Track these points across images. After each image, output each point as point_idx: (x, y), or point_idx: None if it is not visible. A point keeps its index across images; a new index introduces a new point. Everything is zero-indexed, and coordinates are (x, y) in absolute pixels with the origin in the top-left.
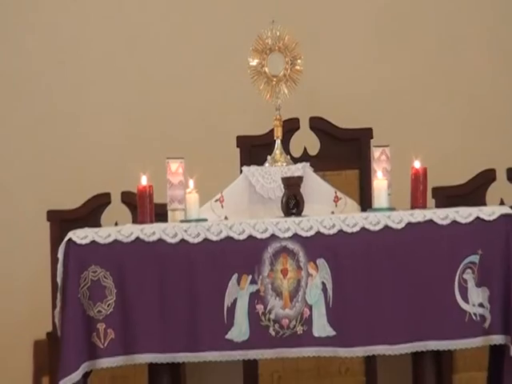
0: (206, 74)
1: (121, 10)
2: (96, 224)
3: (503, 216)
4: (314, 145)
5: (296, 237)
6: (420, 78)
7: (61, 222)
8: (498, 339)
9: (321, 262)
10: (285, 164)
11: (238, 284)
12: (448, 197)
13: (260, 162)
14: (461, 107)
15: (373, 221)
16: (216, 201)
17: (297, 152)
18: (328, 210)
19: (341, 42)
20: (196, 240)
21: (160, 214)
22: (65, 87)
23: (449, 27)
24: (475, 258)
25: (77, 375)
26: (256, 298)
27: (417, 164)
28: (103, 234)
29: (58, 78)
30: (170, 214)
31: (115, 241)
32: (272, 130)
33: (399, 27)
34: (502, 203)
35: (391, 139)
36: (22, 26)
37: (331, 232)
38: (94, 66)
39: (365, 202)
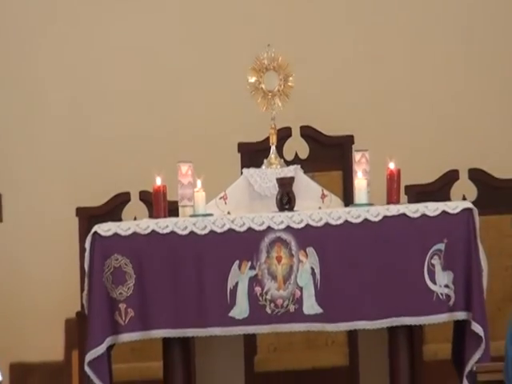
0: (213, 89)
1: (136, 27)
2: (118, 219)
3: (465, 210)
4: (303, 150)
5: (289, 229)
6: (394, 91)
7: (88, 217)
8: (460, 315)
9: (310, 250)
10: (279, 166)
11: (239, 269)
12: (418, 193)
13: (258, 164)
14: (430, 116)
15: (354, 215)
16: (220, 198)
17: (289, 156)
18: (316, 205)
19: (325, 61)
20: (203, 232)
21: (172, 209)
22: (92, 100)
23: (417, 41)
24: (441, 246)
25: (101, 348)
26: (254, 281)
27: (391, 165)
28: (124, 227)
29: (85, 92)
30: (180, 209)
31: (134, 233)
32: (268, 138)
33: (374, 48)
34: (464, 199)
35: (370, 144)
36: (39, 44)
37: (319, 224)
38: (116, 83)
39: (347, 198)
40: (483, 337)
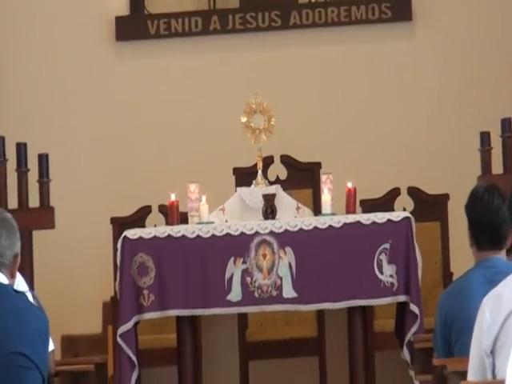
0: (214, 127)
1: (155, 79)
2: (142, 226)
3: (405, 218)
4: (283, 173)
5: (272, 233)
6: (350, 130)
7: (119, 224)
8: (401, 298)
9: (288, 249)
10: (264, 186)
11: (234, 264)
12: (370, 205)
13: (248, 184)
14: (378, 148)
15: (321, 222)
16: (219, 210)
17: (272, 177)
18: (292, 215)
19: (299, 106)
20: (207, 235)
21: (183, 219)
22: (123, 134)
23: (371, 90)
24: (387, 245)
25: (129, 324)
26: (246, 273)
27: (349, 185)
28: (147, 232)
29: (118, 128)
30: (190, 218)
31: (154, 236)
32: (256, 164)
33: (337, 95)
34: (404, 210)
35: (334, 168)
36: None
37: (295, 229)
38: (142, 121)
39: (316, 210)
40: (418, 315)
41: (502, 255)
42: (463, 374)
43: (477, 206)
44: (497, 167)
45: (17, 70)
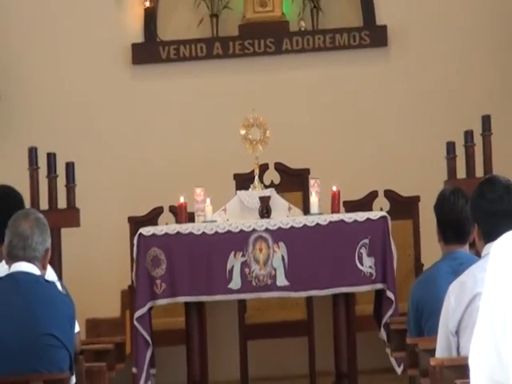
0: (218, 139)
1: (171, 98)
2: (155, 224)
3: (382, 217)
4: (277, 178)
5: (267, 230)
6: (336, 140)
7: (135, 223)
8: (379, 286)
9: (281, 244)
10: (260, 189)
11: (235, 257)
12: (352, 206)
13: (246, 188)
14: (360, 156)
15: (310, 220)
16: (222, 210)
17: (267, 182)
18: (285, 215)
19: (290, 120)
20: (211, 232)
21: (190, 218)
22: (137, 147)
23: (355, 105)
24: (367, 241)
25: (144, 309)
26: (244, 264)
27: (334, 188)
28: (159, 229)
29: (133, 145)
30: (196, 217)
31: (166, 233)
32: (253, 170)
33: (324, 111)
34: (381, 210)
35: (321, 173)
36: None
37: (287, 227)
38: (156, 135)
39: (305, 210)
40: (394, 300)
41: (465, 249)
42: (432, 352)
43: (444, 206)
44: (461, 172)
45: (47, 91)
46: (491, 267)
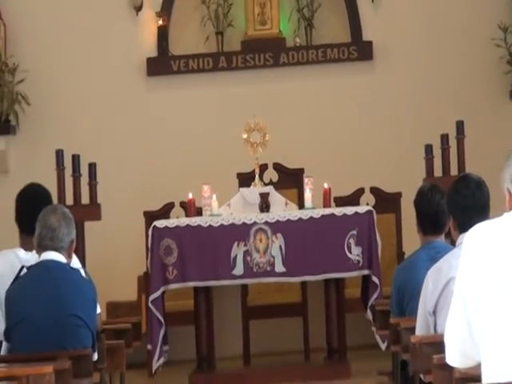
0: (224, 142)
1: (184, 108)
2: (167, 217)
3: (368, 211)
4: (275, 176)
5: (266, 222)
6: (329, 140)
7: (150, 216)
8: (365, 272)
9: (279, 235)
10: (260, 187)
11: (238, 246)
12: (341, 201)
13: (248, 185)
14: (349, 158)
15: (304, 214)
16: (226, 205)
17: (266, 180)
18: (282, 209)
19: (288, 124)
20: (217, 225)
21: (198, 212)
22: (152, 151)
23: (342, 112)
24: (355, 232)
25: (158, 293)
26: (246, 253)
27: (325, 185)
28: (171, 222)
29: (150, 141)
30: (203, 212)
31: (177, 226)
32: (254, 170)
33: (316, 113)
34: (367, 204)
35: (315, 172)
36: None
37: (284, 220)
38: (168, 138)
39: (300, 204)
40: (378, 284)
41: (441, 239)
42: (412, 330)
43: (422, 201)
44: (438, 171)
45: (72, 99)
46: (464, 255)
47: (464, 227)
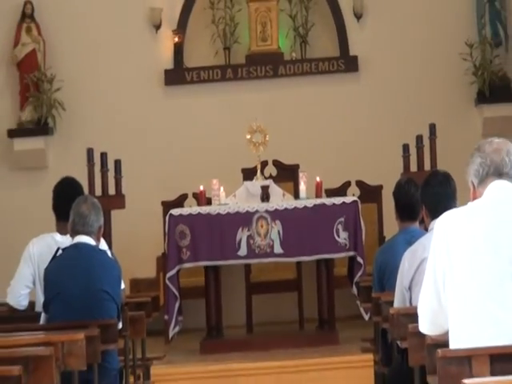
0: (231, 142)
1: (197, 112)
2: (181, 206)
3: (354, 201)
4: (274, 171)
5: (267, 211)
6: (321, 140)
7: (167, 205)
8: (351, 253)
9: (277, 221)
10: (262, 180)
11: (242, 231)
12: (331, 192)
13: (251, 179)
14: (337, 154)
15: (299, 203)
16: (232, 196)
17: (267, 174)
18: (280, 199)
19: (285, 126)
20: (224, 212)
21: (208, 201)
22: (171, 145)
23: (333, 111)
24: (342, 219)
25: (174, 271)
26: (249, 237)
27: (317, 179)
28: (185, 210)
29: (167, 141)
30: (212, 201)
31: (190, 214)
32: (256, 166)
33: (309, 117)
34: (353, 195)
35: (309, 167)
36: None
37: (282, 208)
38: (183, 139)
39: (296, 195)
40: (362, 264)
41: (416, 225)
42: (391, 303)
43: (400, 192)
44: (413, 167)
45: (101, 105)
46: (434, 238)
47: (434, 215)
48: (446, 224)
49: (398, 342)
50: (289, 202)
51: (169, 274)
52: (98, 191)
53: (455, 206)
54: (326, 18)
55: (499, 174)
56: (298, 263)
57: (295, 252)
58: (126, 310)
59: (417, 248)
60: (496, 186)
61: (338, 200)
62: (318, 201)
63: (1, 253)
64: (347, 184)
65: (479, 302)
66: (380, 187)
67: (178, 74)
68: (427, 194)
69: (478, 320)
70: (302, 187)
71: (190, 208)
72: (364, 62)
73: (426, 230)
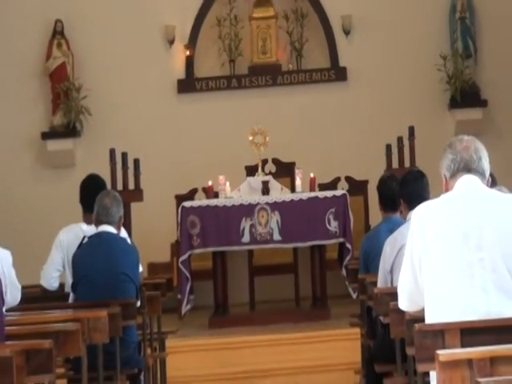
0: (233, 143)
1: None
2: (192, 199)
3: (343, 194)
4: (273, 168)
5: (267, 203)
6: (314, 141)
7: (179, 198)
8: (341, 240)
9: (276, 212)
10: (262, 176)
11: (245, 221)
12: (323, 187)
13: (253, 175)
14: (329, 154)
15: (295, 196)
16: (237, 190)
17: (267, 171)
18: (279, 193)
19: (283, 129)
20: (229, 204)
21: (215, 195)
22: (183, 145)
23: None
24: (333, 210)
25: (186, 256)
26: (252, 226)
27: (311, 175)
28: (195, 203)
29: (180, 142)
30: (219, 195)
31: (199, 206)
32: (257, 163)
33: (305, 120)
34: (342, 189)
35: (304, 165)
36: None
37: (280, 201)
38: (193, 139)
39: (293, 189)
40: (351, 249)
41: (397, 215)
42: (375, 284)
43: (383, 186)
44: (395, 164)
45: (122, 111)
46: (412, 227)
47: (411, 206)
48: (421, 214)
49: (381, 318)
50: (286, 195)
51: (181, 259)
52: (119, 186)
53: (429, 198)
54: (319, 34)
55: (468, 169)
56: (295, 249)
57: (292, 239)
58: (143, 290)
59: (397, 236)
60: (465, 180)
61: (329, 193)
62: (312, 194)
63: (34, 240)
64: (337, 179)
65: (451, 283)
66: (366, 182)
67: (189, 84)
68: (404, 190)
69: (450, 298)
70: (298, 182)
71: (200, 201)
72: (352, 72)
73: (405, 220)
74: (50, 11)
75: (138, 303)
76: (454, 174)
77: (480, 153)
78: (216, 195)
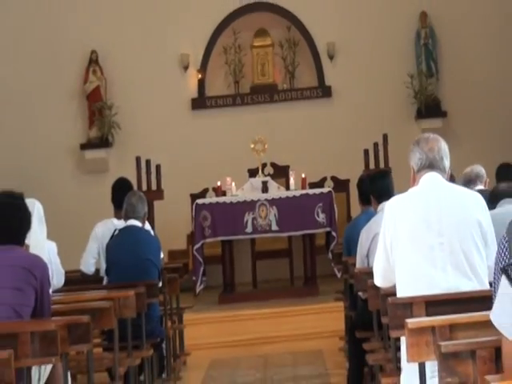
0: (238, 151)
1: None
2: (204, 197)
3: (329, 191)
4: (271, 171)
5: (266, 199)
6: (305, 149)
7: (194, 197)
8: (328, 229)
9: (274, 207)
10: (262, 177)
11: (248, 214)
12: (313, 185)
13: (255, 176)
14: (317, 157)
15: (290, 193)
16: (241, 189)
17: (266, 173)
18: (276, 191)
19: (279, 139)
20: (235, 201)
21: (223, 193)
22: (197, 153)
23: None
24: (321, 204)
25: (199, 244)
26: (254, 219)
27: (303, 175)
28: (207, 200)
29: (193, 150)
30: (227, 193)
31: (210, 203)
32: (258, 167)
33: (297, 132)
34: (329, 187)
35: (297, 167)
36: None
37: (277, 198)
38: (204, 148)
39: (288, 188)
40: (336, 237)
41: (372, 208)
42: (354, 265)
43: (362, 184)
44: (372, 166)
45: (145, 125)
46: (385, 216)
47: (380, 200)
48: (393, 206)
49: (361, 293)
50: (282, 193)
51: (195, 247)
52: (144, 187)
53: (394, 193)
54: (308, 59)
55: (432, 167)
56: (289, 237)
57: (287, 229)
58: (164, 273)
59: (371, 225)
60: (428, 177)
61: (317, 191)
62: (303, 191)
63: (75, 233)
64: (324, 179)
65: (417, 263)
66: (348, 181)
67: (201, 102)
68: (373, 186)
69: (416, 276)
70: (292, 182)
71: (210, 198)
72: (336, 90)
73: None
74: (87, 43)
75: (160, 284)
76: (420, 170)
77: (442, 153)
78: (224, 193)
